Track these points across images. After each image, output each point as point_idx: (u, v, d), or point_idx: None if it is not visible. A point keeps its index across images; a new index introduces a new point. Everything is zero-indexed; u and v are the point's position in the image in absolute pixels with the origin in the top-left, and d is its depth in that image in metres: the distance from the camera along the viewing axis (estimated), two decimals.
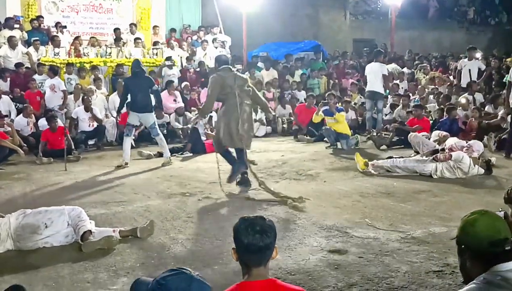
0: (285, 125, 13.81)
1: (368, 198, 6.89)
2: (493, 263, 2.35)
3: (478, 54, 15.41)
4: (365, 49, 19.87)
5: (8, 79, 12.60)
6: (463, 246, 2.49)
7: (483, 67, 13.72)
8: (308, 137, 12.53)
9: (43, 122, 11.35)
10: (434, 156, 8.22)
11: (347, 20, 22.80)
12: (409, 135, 10.01)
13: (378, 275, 4.31)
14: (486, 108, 12.05)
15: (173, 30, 16.60)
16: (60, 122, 11.34)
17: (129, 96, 9.62)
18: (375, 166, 8.48)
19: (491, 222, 2.44)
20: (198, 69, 15.31)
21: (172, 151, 10.61)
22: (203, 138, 11.64)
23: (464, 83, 13.35)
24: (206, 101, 7.81)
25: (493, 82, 14.10)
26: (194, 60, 15.53)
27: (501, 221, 2.51)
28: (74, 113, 12.02)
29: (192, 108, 13.45)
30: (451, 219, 5.72)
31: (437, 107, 12.66)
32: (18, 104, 11.91)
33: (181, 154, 10.59)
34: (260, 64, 16.29)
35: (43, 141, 10.34)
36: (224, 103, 7.55)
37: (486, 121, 11.19)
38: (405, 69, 16.32)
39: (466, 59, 13.66)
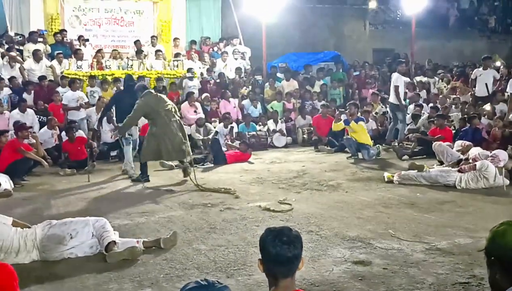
0: (305, 136, 13.79)
1: (391, 209, 6.83)
2: None
3: (498, 63, 15.29)
4: (387, 58, 19.78)
5: (32, 92, 12.80)
6: (492, 258, 2.45)
7: (498, 76, 13.57)
8: (328, 148, 12.49)
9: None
10: (459, 167, 8.12)
11: (367, 30, 22.74)
12: (433, 144, 9.90)
13: (404, 287, 4.26)
14: (509, 117, 11.90)
15: (193, 42, 16.75)
16: (82, 133, 11.53)
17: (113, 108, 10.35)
18: (401, 176, 8.42)
19: None
20: (218, 81, 15.41)
21: (194, 162, 10.66)
22: (224, 149, 11.70)
23: (479, 92, 13.23)
24: (127, 122, 9.04)
25: None
26: (214, 72, 15.63)
27: None
28: (96, 125, 12.15)
29: (213, 119, 13.52)
30: (477, 230, 5.65)
31: (460, 116, 12.56)
32: (41, 117, 12.09)
33: (202, 165, 10.64)
34: (280, 74, 16.32)
35: (64, 153, 10.54)
36: (154, 123, 8.84)
37: (510, 131, 11.04)
38: (424, 79, 16.21)
39: (481, 68, 13.53)
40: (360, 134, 11.21)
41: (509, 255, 2.36)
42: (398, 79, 12.12)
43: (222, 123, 12.86)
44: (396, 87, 12.09)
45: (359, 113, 12.01)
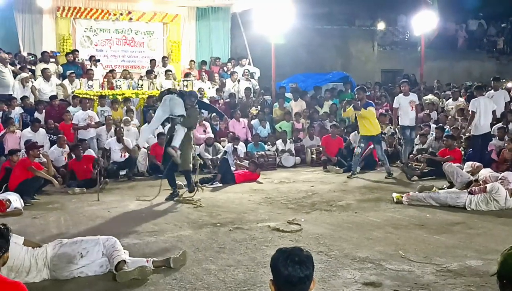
0: (314, 156, 13.79)
1: (401, 230, 6.80)
2: None
3: (510, 84, 15.27)
4: (398, 78, 19.75)
5: (43, 111, 12.94)
6: (504, 281, 2.45)
7: (508, 98, 13.54)
8: (337, 168, 12.49)
9: None
10: (469, 189, 8.08)
11: (375, 50, 22.85)
12: (443, 165, 9.85)
13: None
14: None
15: (203, 62, 16.94)
16: (91, 152, 11.62)
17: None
18: (410, 197, 8.39)
19: None
20: (228, 100, 15.50)
21: (202, 181, 10.69)
22: (233, 168, 11.72)
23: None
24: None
25: None
26: (223, 92, 15.74)
27: None
28: (106, 144, 12.27)
29: (222, 138, 13.58)
30: (488, 252, 5.61)
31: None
32: (51, 136, 12.20)
33: (211, 184, 10.65)
34: (288, 94, 16.40)
35: (69, 171, 10.66)
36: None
37: None
38: (434, 99, 16.21)
39: (492, 90, 13.51)
40: (370, 121, 11.22)
41: None
42: (397, 100, 12.08)
43: (231, 143, 12.91)
44: (395, 109, 12.09)
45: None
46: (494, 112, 11.46)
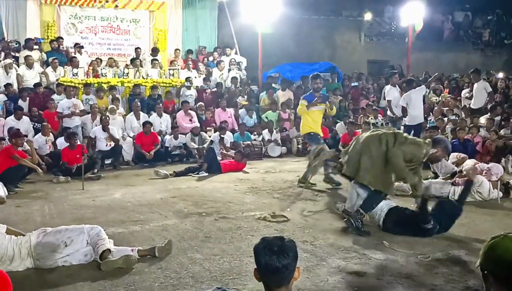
0: (300, 146, 13.82)
1: None
2: None
3: (501, 74, 15.52)
4: (385, 70, 19.83)
5: (27, 98, 12.79)
6: (486, 272, 2.47)
7: (489, 89, 13.69)
8: None
9: (60, 141, 11.52)
10: (453, 180, 8.16)
11: (362, 41, 22.90)
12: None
13: None
14: (501, 131, 12.03)
15: (189, 51, 16.84)
16: (78, 141, 11.52)
17: None
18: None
19: (511, 245, 2.42)
20: (215, 90, 15.44)
21: (188, 171, 10.69)
22: (219, 158, 11.70)
23: (474, 105, 13.35)
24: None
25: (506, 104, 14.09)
26: (210, 81, 15.68)
27: None
28: (92, 133, 12.18)
29: (208, 128, 13.54)
30: (470, 242, 5.68)
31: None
32: (36, 124, 12.08)
33: (197, 174, 10.63)
34: (275, 85, 16.38)
35: (64, 162, 10.54)
36: None
37: (504, 141, 11.14)
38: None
39: (475, 83, 13.67)
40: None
41: (501, 269, 2.38)
42: (389, 92, 12.20)
43: (217, 133, 12.88)
44: (389, 102, 12.20)
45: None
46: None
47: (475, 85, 13.49)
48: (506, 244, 2.44)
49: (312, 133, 9.26)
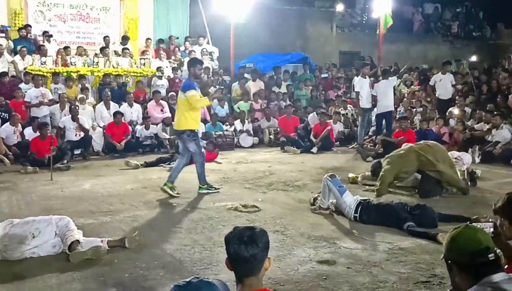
0: (271, 136, 13.85)
1: None
2: (482, 276, 2.38)
3: (474, 58, 15.83)
4: (356, 61, 19.95)
5: None
6: (449, 262, 2.53)
7: (454, 81, 13.96)
8: (294, 149, 12.60)
9: (29, 131, 11.30)
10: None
11: (334, 32, 22.98)
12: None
13: (367, 286, 4.34)
14: (469, 123, 12.27)
15: (161, 40, 16.66)
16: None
17: None
18: (365, 177, 8.54)
19: (472, 234, 2.48)
20: None
21: (159, 161, 10.62)
22: None
23: (444, 95, 13.58)
24: None
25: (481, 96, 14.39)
26: (181, 71, 15.54)
27: (482, 232, 2.55)
28: (61, 123, 11.97)
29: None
30: (438, 231, 5.77)
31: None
32: (2, 114, 11.81)
33: (168, 164, 10.56)
34: (247, 75, 16.35)
35: (32, 152, 10.34)
36: None
37: (470, 133, 11.37)
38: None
39: (440, 73, 13.90)
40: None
41: (463, 258, 2.44)
42: (359, 83, 12.28)
43: None
44: (357, 93, 12.29)
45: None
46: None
47: (444, 76, 13.70)
48: (467, 233, 2.50)
49: (196, 131, 7.93)
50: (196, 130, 7.91)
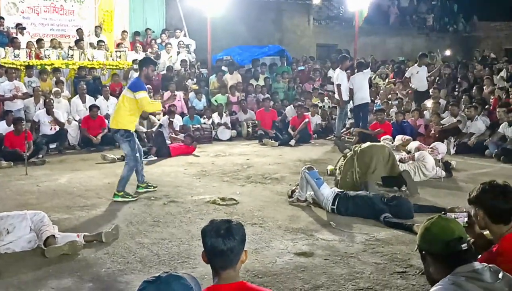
0: (249, 129, 13.84)
1: None
2: (456, 265, 2.41)
3: (448, 52, 15.97)
4: (332, 54, 19.99)
5: None
6: (423, 252, 2.56)
7: (427, 74, 14.10)
8: (272, 141, 12.61)
9: (2, 125, 11.10)
10: (399, 158, 8.37)
11: (311, 25, 23.01)
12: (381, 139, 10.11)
13: (344, 277, 4.37)
14: (444, 114, 12.42)
15: (137, 33, 16.50)
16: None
17: None
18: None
19: (445, 224, 2.52)
20: (163, 73, 15.20)
21: None
22: (168, 142, 11.60)
23: (421, 87, 13.70)
24: None
25: (458, 88, 14.57)
26: (158, 63, 15.41)
27: (455, 222, 2.59)
28: (35, 117, 11.78)
29: (156, 111, 13.33)
30: (413, 222, 5.84)
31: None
32: None
33: (146, 158, 10.47)
34: (224, 68, 16.30)
35: (5, 146, 10.15)
36: None
37: (441, 126, 11.51)
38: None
39: (416, 65, 14.04)
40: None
41: (436, 247, 2.47)
42: (339, 76, 12.31)
43: (166, 116, 12.73)
44: (338, 86, 12.31)
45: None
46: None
47: (421, 68, 13.83)
48: (441, 223, 2.54)
49: (131, 132, 7.40)
50: (131, 131, 7.34)
